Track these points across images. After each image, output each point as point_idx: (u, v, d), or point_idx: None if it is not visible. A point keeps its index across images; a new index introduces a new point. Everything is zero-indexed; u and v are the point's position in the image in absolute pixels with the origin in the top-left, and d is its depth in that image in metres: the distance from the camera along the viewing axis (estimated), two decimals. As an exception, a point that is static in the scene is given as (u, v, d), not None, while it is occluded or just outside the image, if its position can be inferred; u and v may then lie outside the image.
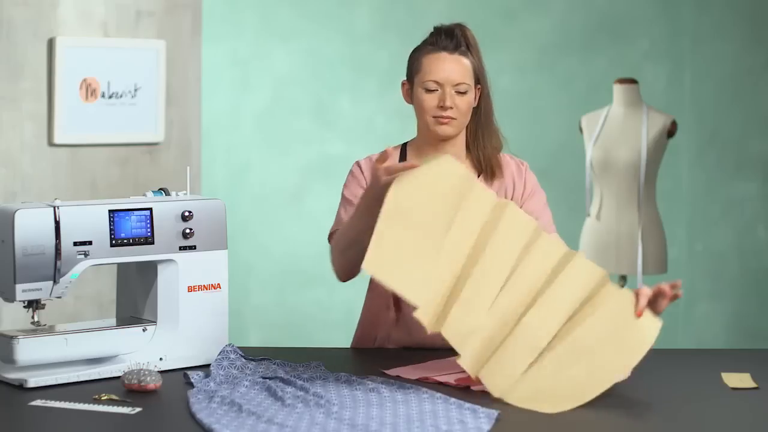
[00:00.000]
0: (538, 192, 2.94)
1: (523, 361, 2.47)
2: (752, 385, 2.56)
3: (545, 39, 6.03)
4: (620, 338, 2.46)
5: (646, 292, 2.48)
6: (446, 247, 2.54)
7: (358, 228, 2.67)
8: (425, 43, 2.88)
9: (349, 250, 2.74)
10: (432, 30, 2.89)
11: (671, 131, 5.08)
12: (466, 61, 2.85)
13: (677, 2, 6.12)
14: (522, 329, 2.49)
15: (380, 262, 2.50)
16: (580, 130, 5.24)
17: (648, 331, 2.47)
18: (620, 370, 2.47)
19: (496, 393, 2.45)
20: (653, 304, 2.49)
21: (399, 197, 2.53)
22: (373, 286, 2.96)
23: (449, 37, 2.85)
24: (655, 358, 2.53)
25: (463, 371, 2.60)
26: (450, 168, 2.58)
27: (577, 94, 6.01)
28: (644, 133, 5.03)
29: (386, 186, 2.54)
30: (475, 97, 2.89)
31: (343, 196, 2.93)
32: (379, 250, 2.50)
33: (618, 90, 5.16)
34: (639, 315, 2.47)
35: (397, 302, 2.92)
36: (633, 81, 5.15)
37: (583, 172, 5.22)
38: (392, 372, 2.66)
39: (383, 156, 2.58)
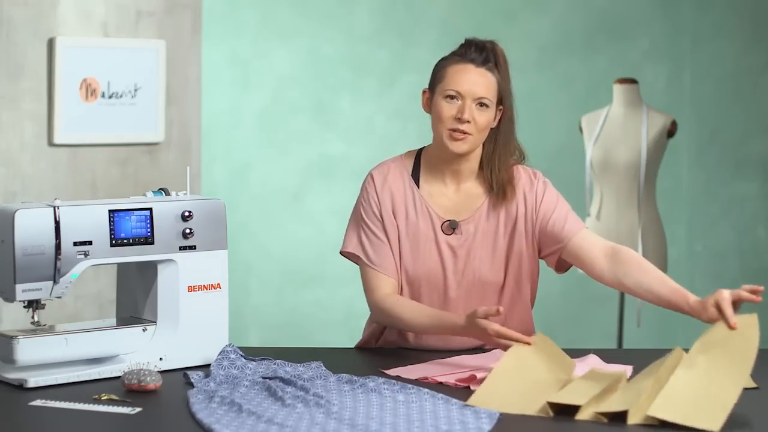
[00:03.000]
0: (559, 202, 2.88)
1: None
2: (752, 385, 2.55)
3: (545, 39, 6.03)
4: (730, 352, 2.42)
5: (726, 300, 2.52)
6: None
7: (421, 329, 2.78)
8: (453, 53, 2.83)
9: (397, 327, 2.85)
10: (463, 42, 2.84)
11: (671, 131, 5.08)
12: (491, 77, 2.80)
13: (677, 2, 6.12)
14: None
15: (486, 398, 2.42)
16: (580, 130, 5.24)
17: (748, 330, 2.45)
18: (741, 379, 2.38)
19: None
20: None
21: (524, 356, 2.54)
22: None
23: (479, 51, 2.80)
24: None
25: (464, 371, 2.61)
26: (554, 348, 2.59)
27: (577, 94, 6.01)
28: (644, 133, 5.03)
29: (487, 339, 2.62)
30: (496, 117, 2.85)
31: (360, 218, 2.88)
32: (490, 390, 2.45)
33: (618, 90, 5.16)
34: (734, 327, 2.46)
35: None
36: (633, 81, 5.14)
37: (583, 172, 5.21)
38: (392, 372, 2.66)
39: (501, 333, 2.59)
